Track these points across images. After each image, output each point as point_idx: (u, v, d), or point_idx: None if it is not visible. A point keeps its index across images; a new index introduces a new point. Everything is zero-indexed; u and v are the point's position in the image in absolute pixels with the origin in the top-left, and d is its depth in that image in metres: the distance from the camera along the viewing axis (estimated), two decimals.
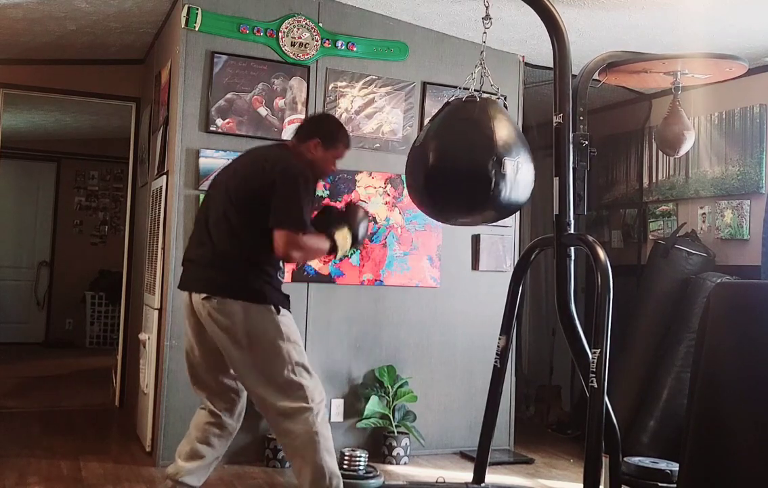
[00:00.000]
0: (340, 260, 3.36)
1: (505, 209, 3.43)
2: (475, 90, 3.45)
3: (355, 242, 3.28)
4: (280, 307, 3.10)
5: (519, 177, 3.28)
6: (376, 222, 4.72)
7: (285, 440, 3.12)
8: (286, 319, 3.12)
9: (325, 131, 3.31)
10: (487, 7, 3.47)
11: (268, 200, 3.04)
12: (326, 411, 3.18)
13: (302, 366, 3.09)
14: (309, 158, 3.23)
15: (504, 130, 3.31)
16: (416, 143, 3.54)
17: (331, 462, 3.06)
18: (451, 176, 3.34)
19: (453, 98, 3.50)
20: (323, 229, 3.21)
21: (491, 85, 3.56)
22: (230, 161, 3.56)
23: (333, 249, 3.21)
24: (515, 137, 3.35)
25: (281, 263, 3.23)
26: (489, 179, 3.22)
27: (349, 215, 3.30)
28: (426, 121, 4.82)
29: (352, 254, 3.45)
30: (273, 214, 3.03)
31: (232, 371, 3.19)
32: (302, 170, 3.13)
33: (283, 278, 3.27)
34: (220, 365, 3.19)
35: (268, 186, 3.05)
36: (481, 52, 3.51)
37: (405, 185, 3.51)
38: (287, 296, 3.18)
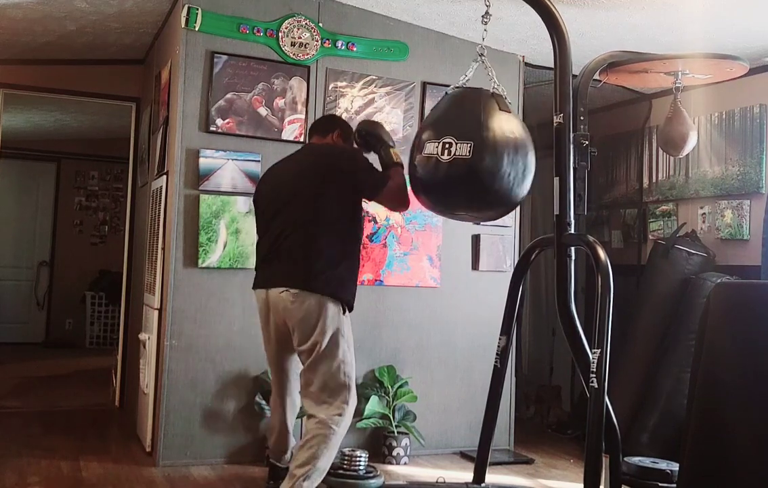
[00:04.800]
0: None
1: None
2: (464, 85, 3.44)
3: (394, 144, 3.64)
4: (348, 309, 3.38)
5: (444, 159, 3.18)
6: (376, 222, 4.72)
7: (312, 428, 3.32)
8: (348, 320, 3.39)
9: (343, 125, 3.73)
10: (488, 6, 3.46)
11: (343, 194, 3.38)
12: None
13: (352, 369, 3.37)
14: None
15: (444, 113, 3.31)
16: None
17: (326, 462, 3.28)
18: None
19: (452, 88, 3.49)
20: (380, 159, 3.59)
21: (490, 80, 3.50)
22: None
23: (399, 163, 3.52)
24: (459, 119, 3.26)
25: (356, 267, 3.48)
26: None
27: (373, 134, 3.61)
28: None
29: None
30: (366, 189, 3.44)
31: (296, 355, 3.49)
32: (353, 149, 3.63)
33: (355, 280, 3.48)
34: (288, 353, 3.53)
35: (341, 180, 3.39)
36: (482, 52, 3.49)
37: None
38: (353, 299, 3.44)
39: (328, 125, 3.74)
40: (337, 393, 3.31)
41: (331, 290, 3.31)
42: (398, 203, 3.54)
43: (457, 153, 3.13)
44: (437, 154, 3.17)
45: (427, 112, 4.80)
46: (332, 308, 3.31)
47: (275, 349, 3.55)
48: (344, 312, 3.36)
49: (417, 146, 3.32)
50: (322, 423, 3.26)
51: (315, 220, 3.34)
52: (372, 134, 3.64)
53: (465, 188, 3.21)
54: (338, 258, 3.35)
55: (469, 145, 3.12)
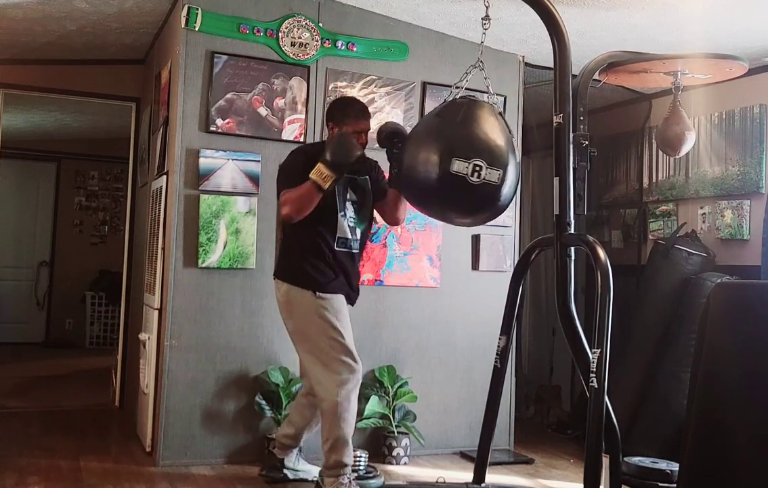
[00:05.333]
0: (330, 187, 3.55)
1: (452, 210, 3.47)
2: (466, 90, 3.44)
3: (334, 166, 3.51)
4: (318, 291, 3.63)
5: (477, 182, 3.24)
6: (376, 222, 4.71)
7: (318, 404, 3.73)
8: (321, 300, 3.64)
9: (333, 113, 3.81)
10: (487, 7, 3.46)
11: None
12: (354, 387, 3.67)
13: (338, 343, 3.63)
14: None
15: (475, 130, 3.30)
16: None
17: (344, 429, 3.61)
18: (411, 168, 3.41)
19: (449, 98, 3.49)
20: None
21: (487, 87, 3.52)
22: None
23: (316, 185, 3.51)
24: (489, 141, 3.31)
25: (329, 249, 3.68)
26: (437, 175, 3.26)
27: (326, 148, 3.60)
28: None
29: (340, 177, 3.60)
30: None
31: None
32: (295, 150, 3.87)
33: (335, 261, 3.69)
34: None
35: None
36: (481, 60, 3.49)
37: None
38: (339, 280, 3.69)
39: (326, 116, 3.91)
40: (330, 368, 3.63)
41: (290, 277, 3.71)
42: (282, 216, 3.67)
43: (486, 178, 3.24)
44: (467, 174, 3.21)
45: (427, 112, 4.81)
46: (296, 293, 3.67)
47: None
48: (315, 294, 3.64)
49: (437, 159, 3.27)
50: (322, 400, 3.63)
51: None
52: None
53: (482, 206, 3.39)
54: (291, 246, 3.74)
55: (498, 173, 3.26)
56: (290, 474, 4.00)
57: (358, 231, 3.81)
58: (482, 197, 3.29)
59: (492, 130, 3.31)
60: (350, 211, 3.77)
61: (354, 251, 3.79)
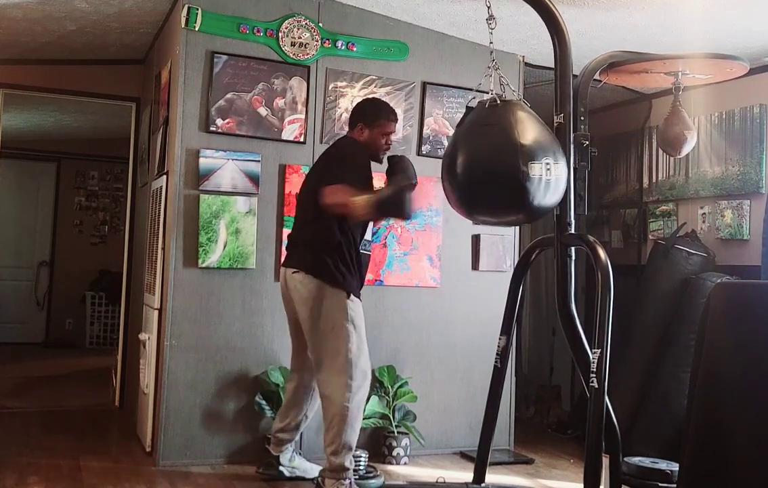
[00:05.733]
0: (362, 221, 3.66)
1: (537, 212, 3.36)
2: (496, 94, 3.39)
3: (382, 215, 3.63)
4: (351, 293, 3.66)
5: (550, 179, 3.21)
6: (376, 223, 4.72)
7: (323, 403, 3.72)
8: (352, 303, 3.66)
9: (364, 113, 3.86)
10: (488, 7, 3.45)
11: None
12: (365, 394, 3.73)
13: (360, 350, 3.66)
14: (360, 141, 3.82)
15: (530, 132, 3.24)
16: (447, 151, 3.51)
17: (350, 436, 3.63)
18: (480, 184, 3.30)
19: (472, 100, 3.46)
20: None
21: (503, 87, 3.49)
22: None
23: (356, 209, 3.47)
24: (544, 137, 3.28)
25: (356, 250, 3.71)
26: (518, 185, 3.18)
27: (395, 196, 3.52)
28: (427, 121, 4.83)
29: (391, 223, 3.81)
30: (326, 179, 3.62)
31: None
32: (357, 145, 3.79)
33: (359, 262, 3.74)
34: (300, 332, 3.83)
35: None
36: (492, 54, 3.47)
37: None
38: (360, 282, 3.75)
39: (352, 117, 3.96)
40: (346, 373, 3.64)
41: (322, 273, 3.67)
42: (322, 204, 3.59)
43: (556, 174, 3.25)
44: (542, 174, 3.20)
45: (427, 112, 4.82)
46: (329, 292, 3.64)
47: None
48: (349, 297, 3.67)
49: (515, 166, 3.21)
50: (332, 402, 3.66)
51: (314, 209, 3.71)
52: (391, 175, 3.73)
53: (552, 201, 3.35)
54: (320, 241, 3.69)
55: (562, 165, 3.29)
56: (286, 472, 4.00)
57: (372, 234, 3.97)
58: (553, 191, 3.27)
59: (539, 126, 3.29)
60: None
61: (369, 252, 3.94)
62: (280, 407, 4.07)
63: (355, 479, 3.80)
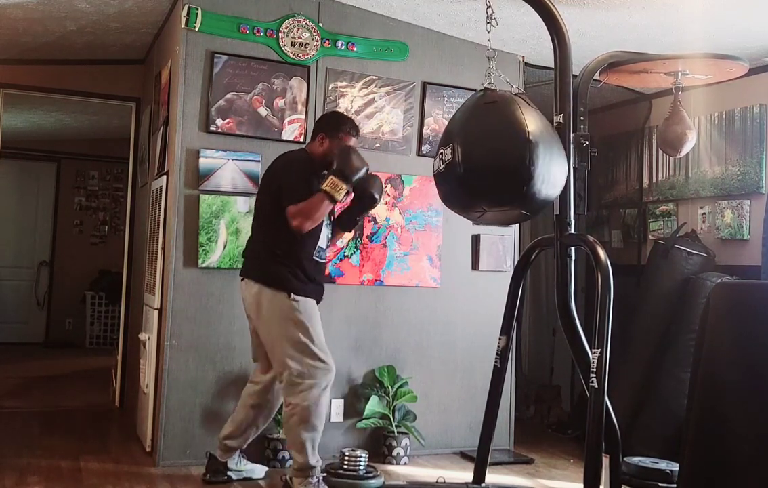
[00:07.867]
0: (343, 199, 3.74)
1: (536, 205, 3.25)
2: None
3: (347, 179, 3.65)
4: (292, 293, 3.67)
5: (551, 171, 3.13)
6: (376, 222, 4.72)
7: (286, 408, 3.72)
8: (296, 302, 3.68)
9: (326, 124, 3.91)
10: (490, 8, 3.44)
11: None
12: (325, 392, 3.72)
13: (309, 346, 3.67)
14: (320, 151, 3.84)
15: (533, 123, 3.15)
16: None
17: (311, 433, 3.64)
18: (480, 170, 3.19)
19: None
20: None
21: (506, 83, 3.48)
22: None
23: (329, 197, 3.62)
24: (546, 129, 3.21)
25: (305, 255, 3.73)
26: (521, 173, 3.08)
27: (337, 160, 3.69)
28: (427, 121, 4.83)
29: (353, 190, 3.76)
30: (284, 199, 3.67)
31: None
32: (291, 162, 3.81)
33: (311, 268, 3.77)
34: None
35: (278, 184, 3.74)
36: (491, 57, 3.46)
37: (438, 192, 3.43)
38: (312, 285, 3.77)
39: (315, 127, 3.98)
40: (299, 371, 3.67)
41: (263, 278, 3.74)
42: (293, 226, 3.64)
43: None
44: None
45: (427, 112, 4.82)
46: (269, 294, 3.70)
47: None
48: (289, 297, 3.67)
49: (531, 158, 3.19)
50: (294, 405, 3.67)
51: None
52: (337, 159, 3.73)
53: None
54: (266, 250, 3.76)
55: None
56: (234, 475, 4.01)
57: (328, 243, 3.97)
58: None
59: (538, 118, 3.20)
60: (328, 224, 3.89)
61: (324, 261, 3.95)
62: (278, 414, 4.07)
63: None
